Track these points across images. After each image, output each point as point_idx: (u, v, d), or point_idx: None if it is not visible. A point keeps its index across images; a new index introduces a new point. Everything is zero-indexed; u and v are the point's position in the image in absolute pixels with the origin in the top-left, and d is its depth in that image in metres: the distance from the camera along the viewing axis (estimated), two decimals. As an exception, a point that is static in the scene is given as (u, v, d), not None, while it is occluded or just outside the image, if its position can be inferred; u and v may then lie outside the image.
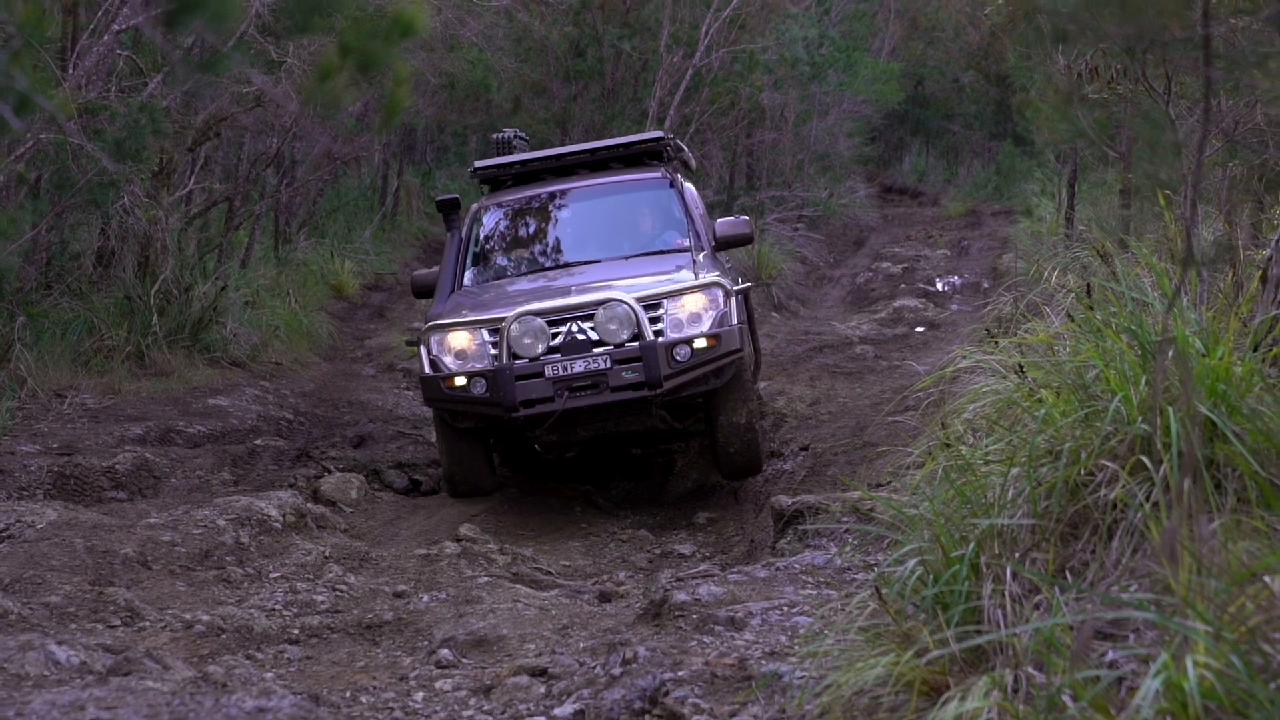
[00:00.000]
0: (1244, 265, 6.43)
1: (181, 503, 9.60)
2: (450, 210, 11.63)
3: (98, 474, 10.22)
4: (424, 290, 11.52)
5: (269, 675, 6.25)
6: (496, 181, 12.38)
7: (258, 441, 11.94)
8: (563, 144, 21.53)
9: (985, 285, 20.76)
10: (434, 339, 10.08)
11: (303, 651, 6.80)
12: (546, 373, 9.77)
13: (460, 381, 9.90)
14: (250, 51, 12.99)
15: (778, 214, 26.14)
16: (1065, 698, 3.58)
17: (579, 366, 9.76)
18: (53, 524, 8.39)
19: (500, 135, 12.85)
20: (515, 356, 9.81)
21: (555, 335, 9.84)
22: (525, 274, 11.40)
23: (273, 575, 8.16)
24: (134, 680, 5.61)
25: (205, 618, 7.05)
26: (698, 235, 11.21)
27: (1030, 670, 3.85)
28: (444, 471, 10.61)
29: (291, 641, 6.94)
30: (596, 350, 9.80)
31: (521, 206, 12.03)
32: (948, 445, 5.58)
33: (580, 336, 9.83)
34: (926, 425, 7.47)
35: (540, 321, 9.82)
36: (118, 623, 6.96)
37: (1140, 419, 4.54)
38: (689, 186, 11.97)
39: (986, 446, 5.33)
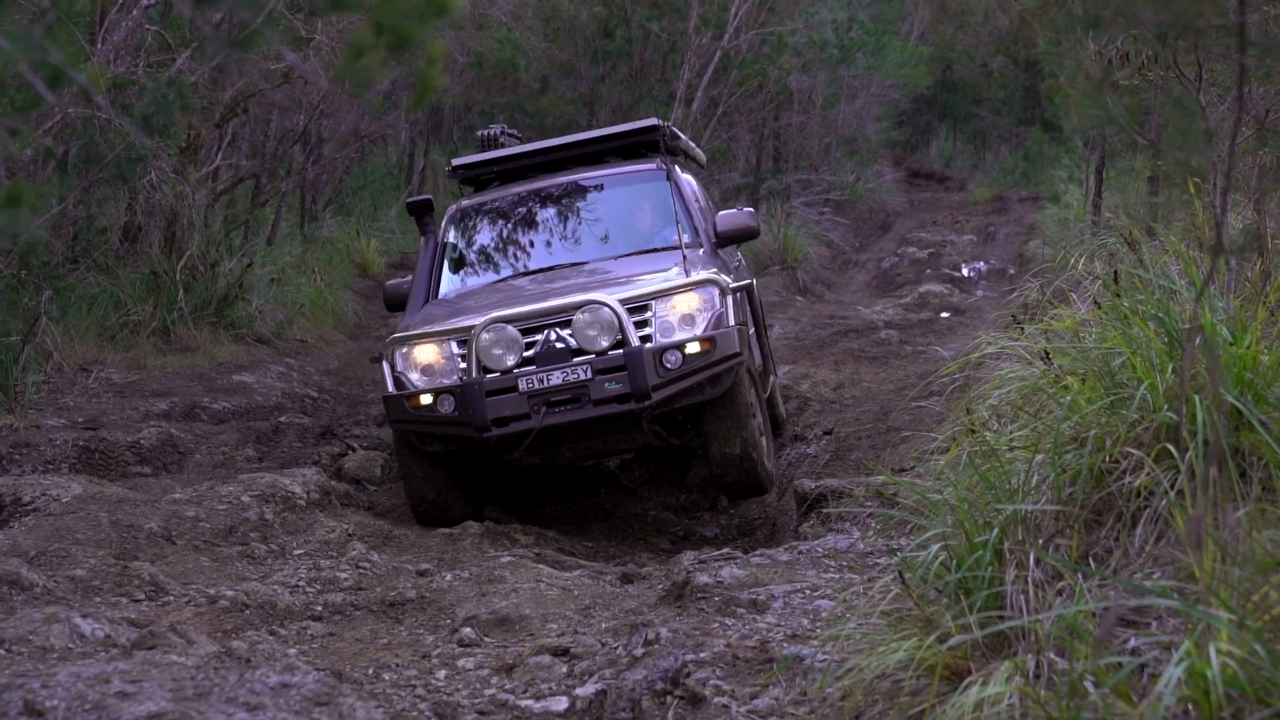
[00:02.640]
0: (1273, 254, 6.41)
1: (206, 478, 9.64)
2: (422, 213, 10.70)
3: (123, 449, 10.28)
4: (397, 302, 10.43)
5: (292, 651, 6.27)
6: (480, 182, 11.38)
7: (282, 418, 11.97)
8: (590, 125, 21.52)
9: (1011, 271, 20.71)
10: (398, 353, 9.07)
11: (326, 628, 6.83)
12: (520, 386, 8.71)
13: (426, 400, 8.85)
14: (280, 28, 12.96)
15: (804, 197, 26.11)
16: (1087, 684, 3.57)
17: (556, 378, 8.70)
18: (78, 498, 8.43)
19: (486, 132, 11.78)
20: (486, 370, 8.78)
21: (530, 345, 8.82)
22: (506, 280, 10.28)
23: (296, 552, 8.20)
24: (158, 654, 5.64)
25: (229, 593, 7.08)
26: (696, 231, 10.21)
27: (1052, 656, 3.85)
28: (408, 500, 9.48)
29: (315, 618, 6.97)
30: (576, 360, 8.74)
31: (503, 207, 10.97)
32: (972, 431, 5.58)
33: (558, 345, 8.78)
34: (951, 411, 7.47)
35: (512, 330, 8.79)
36: (142, 597, 7.00)
37: (1166, 407, 4.53)
38: (688, 178, 11.10)
39: (1011, 433, 5.32)
